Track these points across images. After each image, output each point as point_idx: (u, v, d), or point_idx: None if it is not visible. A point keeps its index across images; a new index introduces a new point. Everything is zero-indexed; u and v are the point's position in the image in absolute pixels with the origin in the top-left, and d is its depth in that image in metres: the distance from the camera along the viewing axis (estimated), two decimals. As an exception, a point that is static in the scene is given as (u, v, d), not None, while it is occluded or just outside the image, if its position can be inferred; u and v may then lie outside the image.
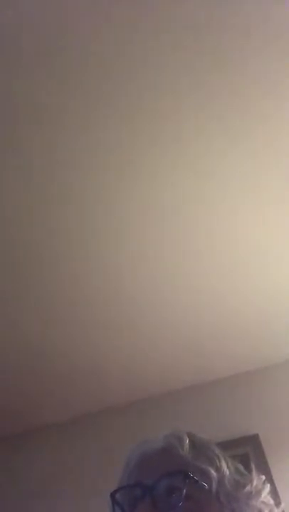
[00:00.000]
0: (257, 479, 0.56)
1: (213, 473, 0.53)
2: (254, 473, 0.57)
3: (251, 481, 0.55)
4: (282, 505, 0.56)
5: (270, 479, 1.30)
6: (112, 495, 0.55)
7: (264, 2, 0.98)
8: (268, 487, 0.56)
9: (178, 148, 1.22)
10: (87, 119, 1.13)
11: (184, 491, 0.50)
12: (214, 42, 1.03)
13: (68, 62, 1.02)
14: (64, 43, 0.99)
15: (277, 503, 0.56)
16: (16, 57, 1.00)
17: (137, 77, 1.07)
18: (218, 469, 0.54)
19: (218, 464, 0.55)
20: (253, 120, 1.18)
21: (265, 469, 1.65)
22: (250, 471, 0.57)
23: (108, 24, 0.97)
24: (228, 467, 0.55)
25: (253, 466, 0.56)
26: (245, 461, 1.67)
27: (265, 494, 0.55)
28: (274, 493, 0.57)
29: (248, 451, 1.77)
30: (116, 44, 1.00)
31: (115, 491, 0.55)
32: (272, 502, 0.55)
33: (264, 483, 0.56)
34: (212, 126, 1.18)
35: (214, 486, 0.52)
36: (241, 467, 0.58)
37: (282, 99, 1.15)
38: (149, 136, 1.18)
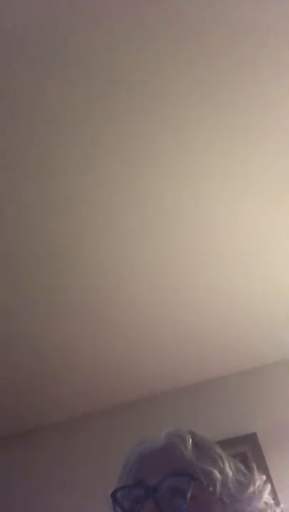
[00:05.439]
0: (259, 480, 0.55)
1: (217, 474, 0.52)
2: (256, 472, 0.57)
3: (254, 482, 0.55)
4: (282, 505, 0.56)
5: (268, 478, 1.31)
6: (113, 494, 0.54)
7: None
8: (269, 487, 0.56)
9: (177, 148, 1.21)
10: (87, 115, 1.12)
11: (189, 493, 0.50)
12: (214, 38, 1.02)
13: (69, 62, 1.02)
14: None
15: (276, 502, 0.56)
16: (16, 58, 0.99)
17: (135, 77, 1.06)
18: (221, 470, 0.53)
19: (221, 464, 0.54)
20: (254, 117, 1.18)
21: (263, 468, 1.66)
22: (251, 470, 0.57)
23: (109, 24, 0.97)
24: (230, 468, 0.55)
25: (254, 465, 0.55)
26: (243, 460, 1.67)
27: (267, 494, 0.55)
28: (272, 492, 0.57)
29: (246, 450, 1.77)
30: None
31: (116, 491, 0.54)
32: (272, 502, 0.55)
33: (265, 483, 0.56)
34: (212, 125, 1.18)
35: (218, 487, 0.52)
36: (242, 466, 0.58)
37: (282, 96, 1.15)
38: (147, 136, 1.18)
